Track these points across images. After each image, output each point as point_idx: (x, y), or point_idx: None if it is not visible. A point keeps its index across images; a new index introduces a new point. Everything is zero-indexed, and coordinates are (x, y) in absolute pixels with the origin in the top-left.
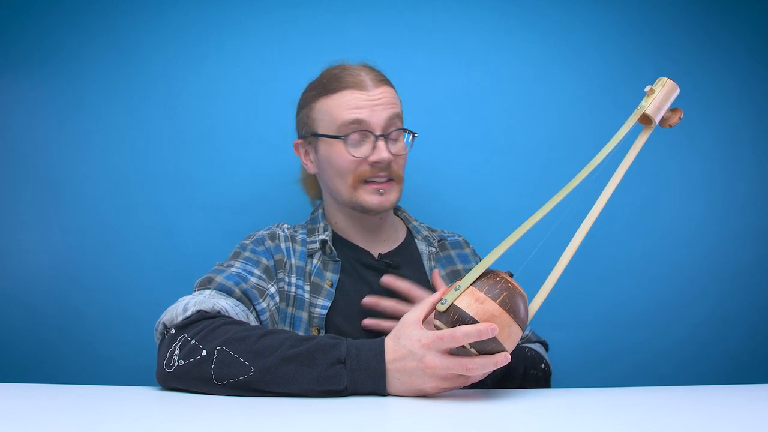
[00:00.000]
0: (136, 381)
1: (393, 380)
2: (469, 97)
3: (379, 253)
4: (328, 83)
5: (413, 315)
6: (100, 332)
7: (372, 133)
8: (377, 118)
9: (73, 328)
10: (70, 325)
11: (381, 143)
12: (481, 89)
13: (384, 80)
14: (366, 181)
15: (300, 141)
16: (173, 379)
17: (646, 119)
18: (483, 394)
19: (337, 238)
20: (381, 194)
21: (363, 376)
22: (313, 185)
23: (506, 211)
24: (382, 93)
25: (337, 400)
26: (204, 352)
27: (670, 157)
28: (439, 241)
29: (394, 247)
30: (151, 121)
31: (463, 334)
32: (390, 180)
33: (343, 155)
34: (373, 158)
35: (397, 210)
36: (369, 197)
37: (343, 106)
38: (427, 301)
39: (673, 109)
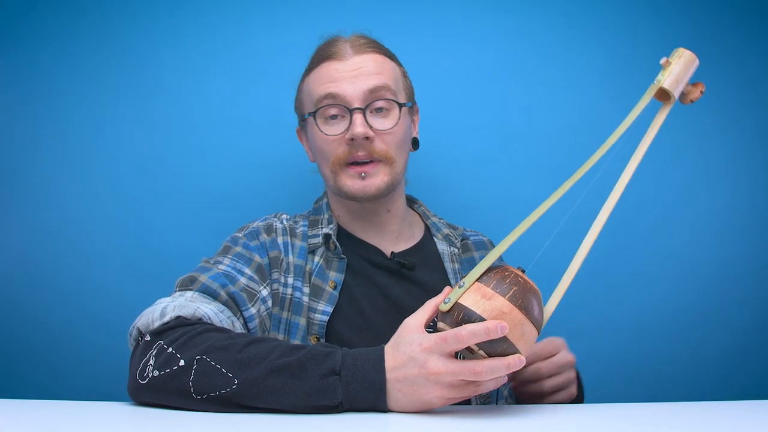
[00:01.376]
0: (104, 396)
1: (394, 392)
2: (481, 75)
3: (392, 252)
4: (311, 60)
5: (414, 319)
6: (64, 341)
7: (346, 107)
8: (354, 89)
9: (33, 336)
10: (29, 333)
11: (357, 117)
12: (495, 65)
13: (370, 46)
14: (348, 164)
15: (298, 128)
16: (147, 392)
17: (664, 95)
18: (497, 410)
19: (343, 233)
20: (363, 178)
21: (360, 388)
22: None
23: (523, 203)
24: (362, 61)
25: (331, 417)
26: (182, 362)
27: (707, 141)
28: (461, 240)
29: (409, 245)
30: (119, 102)
31: (469, 333)
32: (374, 161)
33: (318, 135)
34: (347, 135)
35: (413, 203)
36: (350, 181)
37: (319, 81)
38: (429, 303)
39: (693, 83)
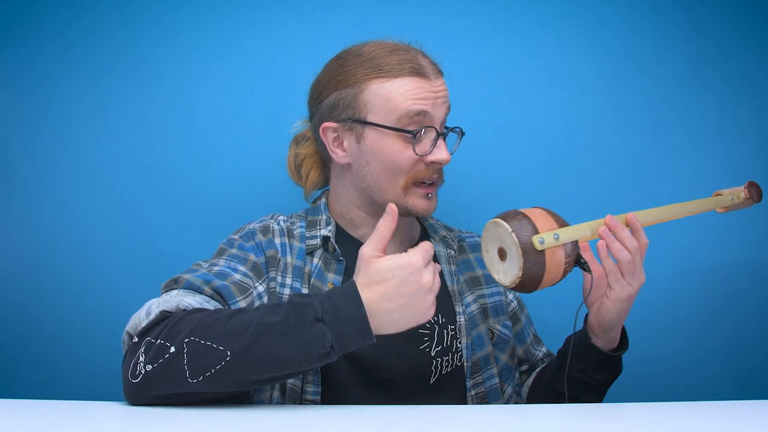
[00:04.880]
0: (104, 396)
1: (387, 315)
2: (478, 75)
3: None
4: (384, 64)
5: (369, 247)
6: (64, 341)
7: (436, 129)
8: (438, 113)
9: (33, 336)
10: (29, 333)
11: (441, 142)
12: (493, 65)
13: (440, 70)
14: (415, 184)
15: (334, 124)
16: (143, 390)
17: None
18: (496, 410)
19: (341, 234)
20: (429, 199)
21: (346, 327)
22: (315, 171)
23: (521, 204)
24: (442, 85)
25: (327, 414)
26: (172, 349)
27: (708, 140)
28: (457, 242)
29: (407, 247)
30: (119, 102)
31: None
32: (434, 183)
33: (401, 151)
34: (432, 158)
35: None
36: (418, 201)
37: (407, 95)
38: (379, 229)
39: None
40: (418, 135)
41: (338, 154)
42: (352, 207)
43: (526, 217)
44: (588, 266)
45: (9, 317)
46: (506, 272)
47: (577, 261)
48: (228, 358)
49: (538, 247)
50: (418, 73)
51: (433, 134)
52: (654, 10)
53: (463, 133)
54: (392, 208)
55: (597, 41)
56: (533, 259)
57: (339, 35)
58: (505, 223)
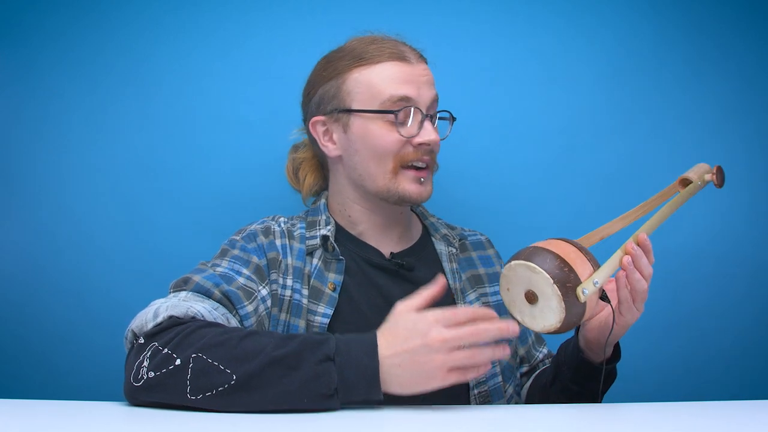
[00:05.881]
0: (104, 396)
1: (393, 369)
2: (478, 75)
3: (391, 252)
4: (364, 52)
5: (405, 304)
6: (64, 341)
7: (421, 111)
8: (424, 95)
9: (33, 336)
10: (29, 333)
11: (428, 123)
12: (493, 65)
13: (423, 57)
14: (405, 167)
15: (322, 118)
16: (141, 393)
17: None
18: (497, 410)
19: (341, 233)
20: (421, 183)
21: (354, 375)
22: (311, 175)
23: (522, 204)
24: (425, 69)
25: (331, 417)
26: (178, 362)
27: (708, 140)
28: (459, 240)
29: (408, 245)
30: (119, 103)
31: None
32: (428, 168)
33: (387, 134)
34: (419, 139)
35: None
36: (409, 185)
37: (389, 79)
38: (422, 293)
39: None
40: (400, 115)
41: (329, 148)
42: (349, 202)
43: (565, 263)
44: (608, 297)
45: (9, 317)
46: (536, 317)
47: (600, 294)
48: (232, 382)
49: (582, 299)
50: (399, 57)
51: (419, 116)
52: (654, 10)
53: (453, 119)
54: (442, 278)
55: (597, 41)
56: (576, 311)
57: (339, 35)
58: (543, 271)
